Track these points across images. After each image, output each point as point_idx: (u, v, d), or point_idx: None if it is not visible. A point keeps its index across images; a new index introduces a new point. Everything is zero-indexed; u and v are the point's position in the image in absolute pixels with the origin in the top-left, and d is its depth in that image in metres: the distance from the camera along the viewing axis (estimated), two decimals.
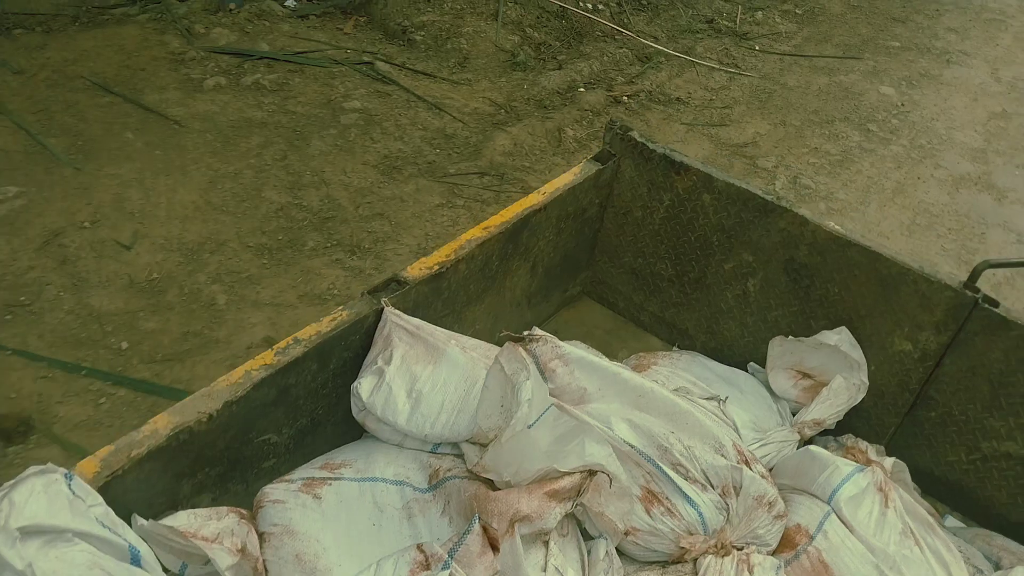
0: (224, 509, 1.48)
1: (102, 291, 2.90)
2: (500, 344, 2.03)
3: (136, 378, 2.60)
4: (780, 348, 2.30)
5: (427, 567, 1.31)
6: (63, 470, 0.85)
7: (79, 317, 2.79)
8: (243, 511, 1.53)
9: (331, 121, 4.05)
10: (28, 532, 0.77)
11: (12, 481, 0.81)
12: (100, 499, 0.88)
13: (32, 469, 0.83)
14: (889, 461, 2.01)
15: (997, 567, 1.96)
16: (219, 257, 3.13)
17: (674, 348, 2.70)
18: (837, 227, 2.13)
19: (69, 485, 0.84)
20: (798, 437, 2.19)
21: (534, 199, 2.29)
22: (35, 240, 3.04)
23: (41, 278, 2.90)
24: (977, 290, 1.97)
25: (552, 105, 4.55)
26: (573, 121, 4.44)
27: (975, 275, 1.98)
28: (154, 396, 2.54)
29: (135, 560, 0.86)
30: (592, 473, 1.52)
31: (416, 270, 1.95)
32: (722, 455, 1.71)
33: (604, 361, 1.88)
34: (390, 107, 4.25)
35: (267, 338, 2.81)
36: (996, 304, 1.94)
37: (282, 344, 1.66)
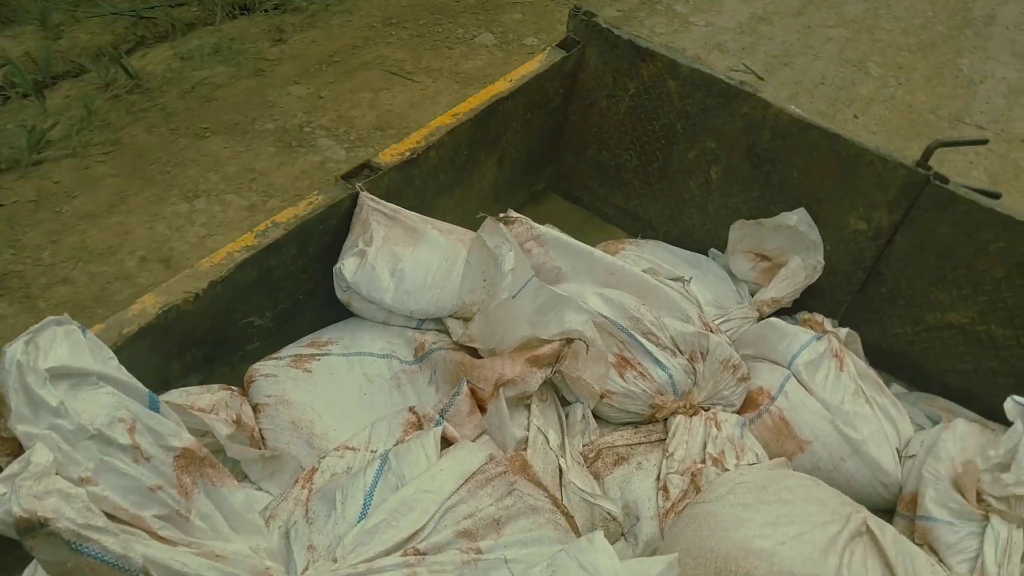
0: (215, 386, 1.52)
1: None
2: (478, 225, 2.09)
3: None
4: (741, 232, 2.39)
5: (419, 427, 1.38)
6: (77, 324, 0.87)
7: None
8: (233, 387, 1.57)
9: None
10: (56, 374, 0.81)
11: (33, 328, 0.84)
12: (111, 353, 0.91)
13: (49, 319, 0.85)
14: (843, 331, 2.13)
15: (936, 424, 2.13)
16: None
17: (638, 238, 2.77)
18: (798, 111, 2.18)
19: (84, 336, 0.87)
20: (757, 314, 2.30)
21: (501, 87, 2.28)
22: None
23: None
24: (929, 168, 2.05)
25: None
26: None
27: (927, 154, 2.06)
28: None
29: (154, 406, 0.90)
30: (570, 341, 1.60)
31: (388, 156, 1.96)
32: (689, 324, 1.80)
33: (577, 242, 1.93)
34: None
35: None
36: (946, 181, 2.03)
37: (261, 227, 1.67)
